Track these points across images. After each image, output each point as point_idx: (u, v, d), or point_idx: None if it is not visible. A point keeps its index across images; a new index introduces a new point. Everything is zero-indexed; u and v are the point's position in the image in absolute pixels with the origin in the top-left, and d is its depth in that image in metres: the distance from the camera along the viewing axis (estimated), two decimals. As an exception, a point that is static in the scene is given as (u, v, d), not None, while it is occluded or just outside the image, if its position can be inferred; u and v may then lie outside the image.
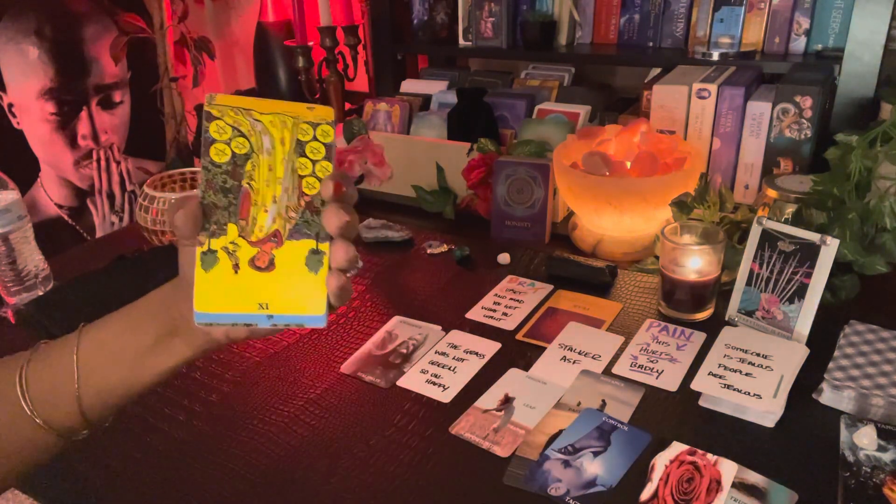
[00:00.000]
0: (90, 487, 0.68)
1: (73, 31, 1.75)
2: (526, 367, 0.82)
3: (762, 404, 0.70)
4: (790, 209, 0.92)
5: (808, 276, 0.78)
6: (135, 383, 0.50)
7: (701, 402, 0.74)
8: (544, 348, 0.85)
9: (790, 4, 1.19)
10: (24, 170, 1.72)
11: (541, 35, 1.37)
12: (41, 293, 0.98)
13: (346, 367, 0.84)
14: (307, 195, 0.45)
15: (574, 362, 0.82)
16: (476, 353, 0.84)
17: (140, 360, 0.50)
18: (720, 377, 0.73)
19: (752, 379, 0.73)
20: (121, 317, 0.51)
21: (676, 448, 0.67)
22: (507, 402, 0.76)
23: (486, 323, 0.91)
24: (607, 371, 0.80)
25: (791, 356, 0.75)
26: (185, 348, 0.49)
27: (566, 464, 0.66)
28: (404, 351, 0.86)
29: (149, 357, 0.50)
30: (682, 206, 0.96)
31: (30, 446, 0.50)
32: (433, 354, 0.85)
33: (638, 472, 0.65)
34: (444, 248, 1.10)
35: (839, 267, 0.82)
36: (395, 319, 0.93)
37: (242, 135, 0.44)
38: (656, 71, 1.29)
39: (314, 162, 0.45)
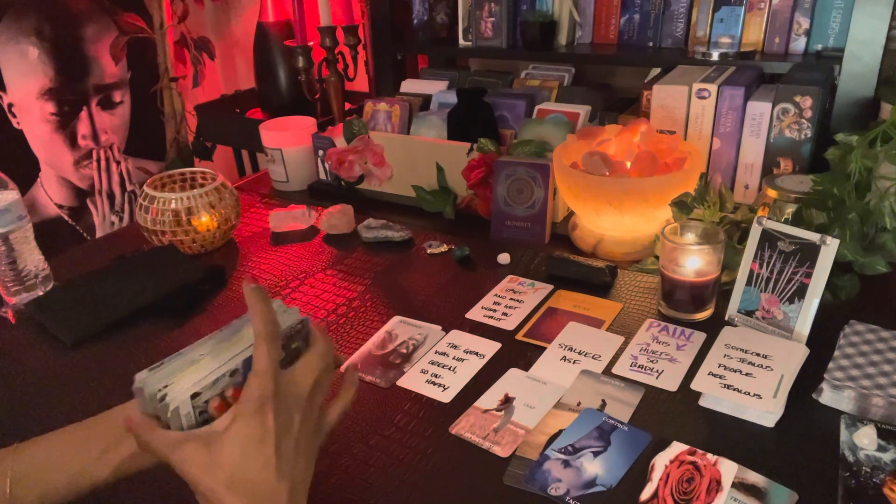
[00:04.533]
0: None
1: (73, 31, 1.75)
2: (526, 367, 0.82)
3: (762, 404, 0.70)
4: (790, 209, 0.92)
5: (808, 276, 0.78)
6: (76, 489, 0.56)
7: (701, 402, 0.74)
8: (544, 348, 0.85)
9: (790, 4, 1.19)
10: (24, 170, 1.72)
11: (541, 35, 1.37)
12: (41, 293, 0.98)
13: (347, 366, 0.84)
14: None
15: (574, 362, 0.82)
16: (476, 353, 0.84)
17: (85, 470, 0.56)
18: (720, 377, 0.73)
19: (752, 379, 0.73)
20: (71, 430, 0.58)
21: (676, 448, 0.67)
22: (507, 402, 0.76)
23: (486, 323, 0.91)
24: (607, 371, 0.80)
25: (791, 356, 0.75)
26: (131, 462, 0.56)
27: (566, 464, 0.66)
28: (404, 351, 0.86)
29: (94, 467, 0.56)
30: (682, 206, 0.96)
31: None
32: (433, 354, 0.85)
33: (638, 472, 0.65)
34: (444, 248, 1.10)
35: (839, 267, 0.82)
36: (395, 319, 0.93)
37: None
38: (656, 71, 1.29)
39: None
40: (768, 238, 0.82)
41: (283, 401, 0.51)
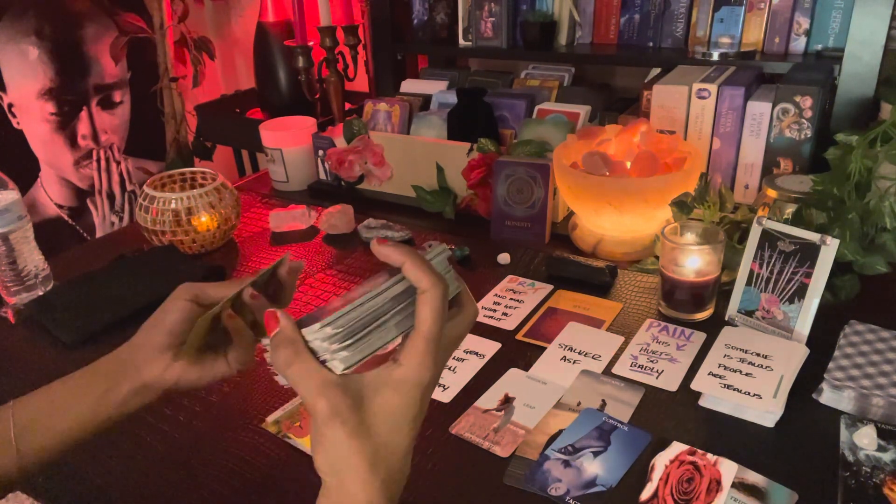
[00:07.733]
0: (90, 487, 0.68)
1: (73, 31, 1.75)
2: (526, 367, 0.82)
3: (762, 404, 0.70)
4: (790, 209, 0.92)
5: (808, 276, 0.78)
6: (84, 432, 0.56)
7: (701, 402, 0.74)
8: (544, 348, 0.85)
9: (790, 4, 1.19)
10: (24, 170, 1.72)
11: (541, 35, 1.37)
12: (41, 293, 0.98)
13: (346, 367, 0.84)
14: None
15: (574, 362, 0.82)
16: (476, 353, 0.84)
17: (90, 412, 0.56)
18: (720, 377, 0.73)
19: (752, 379, 0.73)
20: (71, 377, 0.58)
21: (676, 448, 0.67)
22: (507, 402, 0.76)
23: (486, 323, 0.91)
24: (607, 371, 0.80)
25: (791, 356, 0.75)
26: (133, 399, 0.56)
27: (566, 464, 0.66)
28: (404, 351, 0.86)
29: (98, 408, 0.56)
30: (682, 206, 0.96)
31: None
32: (433, 354, 0.85)
33: (638, 472, 0.65)
34: (444, 248, 1.10)
35: (839, 267, 0.82)
36: (395, 319, 0.92)
37: None
38: (656, 71, 1.29)
39: None
40: (768, 238, 0.82)
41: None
